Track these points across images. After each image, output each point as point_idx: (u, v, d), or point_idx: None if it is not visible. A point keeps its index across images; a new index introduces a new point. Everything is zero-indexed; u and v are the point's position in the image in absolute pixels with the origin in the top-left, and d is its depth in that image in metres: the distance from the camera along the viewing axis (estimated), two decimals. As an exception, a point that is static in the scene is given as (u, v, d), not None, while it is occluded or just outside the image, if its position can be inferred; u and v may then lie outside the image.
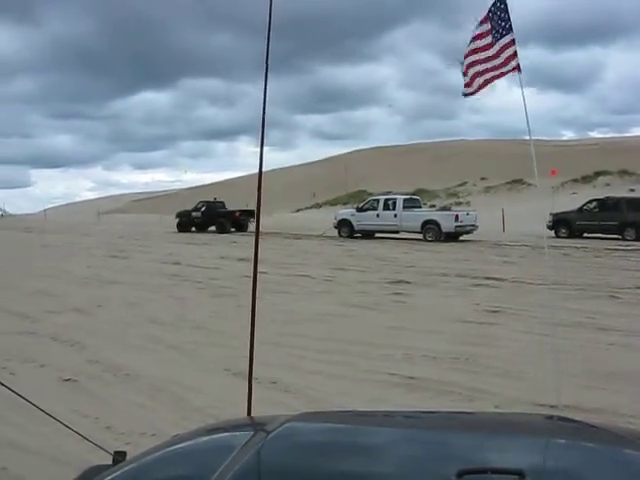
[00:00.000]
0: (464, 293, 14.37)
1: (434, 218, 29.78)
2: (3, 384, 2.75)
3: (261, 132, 3.40)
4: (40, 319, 11.90)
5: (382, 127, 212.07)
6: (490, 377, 7.88)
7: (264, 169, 3.78)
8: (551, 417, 2.62)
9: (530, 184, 57.46)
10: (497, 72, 5.78)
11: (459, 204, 60.50)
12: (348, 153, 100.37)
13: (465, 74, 6.03)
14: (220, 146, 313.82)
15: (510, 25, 5.69)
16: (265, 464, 1.77)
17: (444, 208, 35.11)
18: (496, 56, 5.76)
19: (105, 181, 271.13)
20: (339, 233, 31.74)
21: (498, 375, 7.95)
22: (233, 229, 37.45)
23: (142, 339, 10.22)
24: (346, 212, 33.37)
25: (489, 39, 5.80)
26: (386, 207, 30.99)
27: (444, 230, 28.77)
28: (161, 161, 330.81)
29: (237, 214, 38.64)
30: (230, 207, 40.61)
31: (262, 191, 3.73)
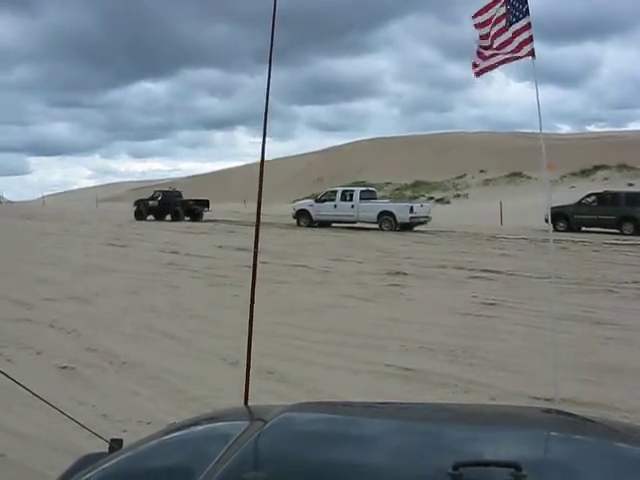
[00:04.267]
0: (461, 285, 14.38)
1: (389, 209, 31.22)
2: (0, 371, 2.75)
3: (264, 122, 3.39)
4: (37, 306, 11.90)
5: (379, 119, 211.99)
6: (486, 369, 7.89)
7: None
8: (547, 410, 2.63)
9: (529, 177, 57.50)
10: (510, 56, 5.69)
11: (457, 196, 60.51)
12: (347, 144, 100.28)
13: (478, 56, 5.92)
14: (218, 136, 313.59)
15: (527, 8, 5.59)
16: (261, 454, 1.78)
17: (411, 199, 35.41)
18: (509, 41, 5.67)
19: (103, 169, 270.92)
20: (298, 223, 33.05)
21: (494, 367, 7.97)
22: (188, 218, 39.03)
23: (139, 328, 10.22)
24: (304, 203, 34.91)
25: (503, 23, 5.70)
26: (343, 198, 32.37)
27: (399, 221, 30.20)
28: (158, 150, 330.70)
29: (190, 203, 40.46)
30: (229, 197, 41.23)
31: (261, 181, 3.73)
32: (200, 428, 2.12)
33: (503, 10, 5.71)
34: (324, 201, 33.08)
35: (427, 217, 31.26)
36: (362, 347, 8.91)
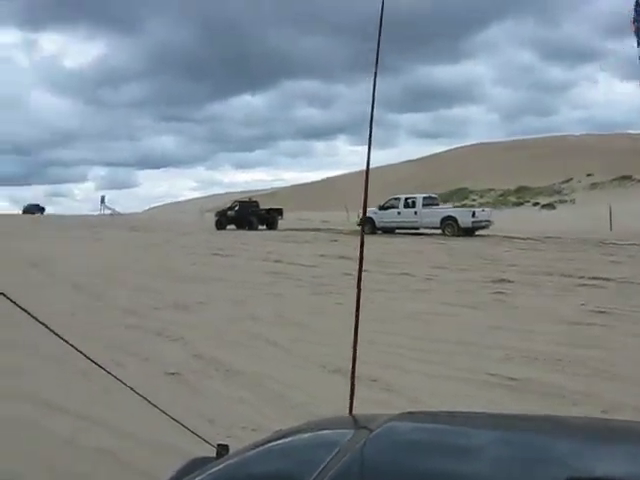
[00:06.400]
0: (569, 293, 13.94)
1: (452, 214, 32.43)
2: (112, 375, 2.86)
3: (369, 131, 3.39)
4: (145, 314, 12.30)
5: (479, 125, 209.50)
6: (596, 380, 7.61)
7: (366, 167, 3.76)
8: None
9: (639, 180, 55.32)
10: None
11: (564, 202, 58.86)
12: (447, 151, 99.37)
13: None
14: (319, 145, 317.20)
15: None
16: (367, 462, 1.76)
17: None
18: None
19: (208, 180, 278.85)
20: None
21: (605, 379, 7.67)
22: (264, 227, 41.01)
23: (243, 335, 10.41)
24: (368, 210, 34.75)
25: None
26: (406, 205, 33.80)
27: (462, 225, 31.20)
28: (261, 160, 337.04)
29: (262, 212, 42.28)
30: (332, 206, 42.57)
31: (366, 190, 3.72)
32: (306, 435, 2.12)
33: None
34: (387, 208, 34.00)
35: (488, 221, 32.18)
36: (464, 355, 8.77)
